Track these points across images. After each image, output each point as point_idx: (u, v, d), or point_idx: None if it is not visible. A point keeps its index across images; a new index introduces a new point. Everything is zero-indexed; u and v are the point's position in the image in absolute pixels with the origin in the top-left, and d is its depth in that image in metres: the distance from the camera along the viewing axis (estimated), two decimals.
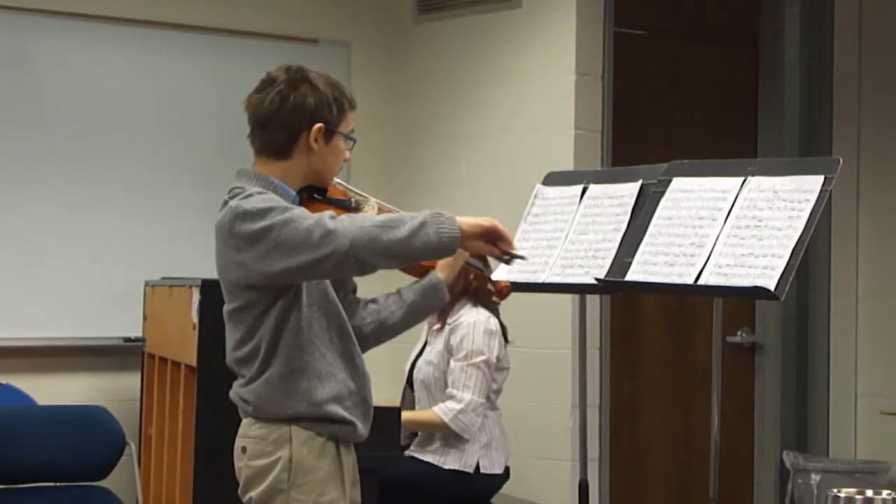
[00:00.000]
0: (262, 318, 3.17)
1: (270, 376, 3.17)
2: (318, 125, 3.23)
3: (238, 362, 3.24)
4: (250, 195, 3.15)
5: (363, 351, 3.35)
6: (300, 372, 3.17)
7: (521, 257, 3.21)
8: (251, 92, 3.29)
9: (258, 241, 3.08)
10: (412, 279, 3.42)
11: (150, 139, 6.06)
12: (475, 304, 4.97)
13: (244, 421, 3.26)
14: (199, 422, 5.11)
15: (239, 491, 3.26)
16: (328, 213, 3.09)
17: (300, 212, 3.10)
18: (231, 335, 3.25)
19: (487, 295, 3.57)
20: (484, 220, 3.11)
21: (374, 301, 3.41)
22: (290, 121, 3.22)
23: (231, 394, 3.28)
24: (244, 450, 3.23)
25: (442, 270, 3.37)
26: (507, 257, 3.16)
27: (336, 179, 3.38)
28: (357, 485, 3.31)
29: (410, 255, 3.07)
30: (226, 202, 3.20)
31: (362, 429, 3.26)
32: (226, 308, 3.25)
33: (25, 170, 5.81)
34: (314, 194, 3.31)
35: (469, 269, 3.48)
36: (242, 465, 3.23)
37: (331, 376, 3.20)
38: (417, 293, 3.37)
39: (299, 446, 3.17)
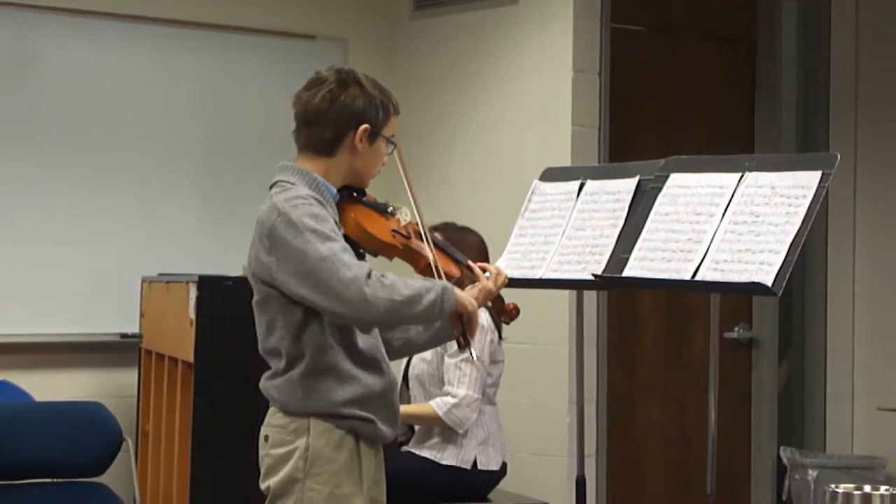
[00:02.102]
0: (283, 312, 3.23)
1: (293, 374, 3.24)
2: (364, 126, 3.30)
3: (266, 353, 3.32)
4: (298, 201, 3.18)
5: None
6: (323, 373, 3.23)
7: (472, 353, 3.43)
8: (300, 89, 3.35)
9: (289, 258, 3.15)
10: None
11: (146, 135, 6.05)
12: None
13: (270, 410, 3.33)
14: (196, 418, 5.11)
15: (260, 479, 3.31)
16: (367, 267, 3.14)
17: (340, 248, 3.14)
18: (258, 326, 3.32)
19: (497, 314, 3.67)
20: (471, 306, 3.29)
21: None
22: (338, 119, 3.29)
23: (260, 385, 3.34)
24: (266, 438, 3.30)
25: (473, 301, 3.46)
26: (462, 340, 3.36)
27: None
28: (379, 485, 3.36)
29: (413, 324, 3.35)
30: (270, 196, 3.25)
31: (385, 428, 3.31)
32: (254, 298, 3.32)
33: (23, 166, 5.80)
34: (353, 193, 3.39)
35: None
36: (264, 453, 3.30)
37: (353, 380, 3.25)
38: (445, 322, 3.44)
39: (317, 437, 3.22)
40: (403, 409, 4.87)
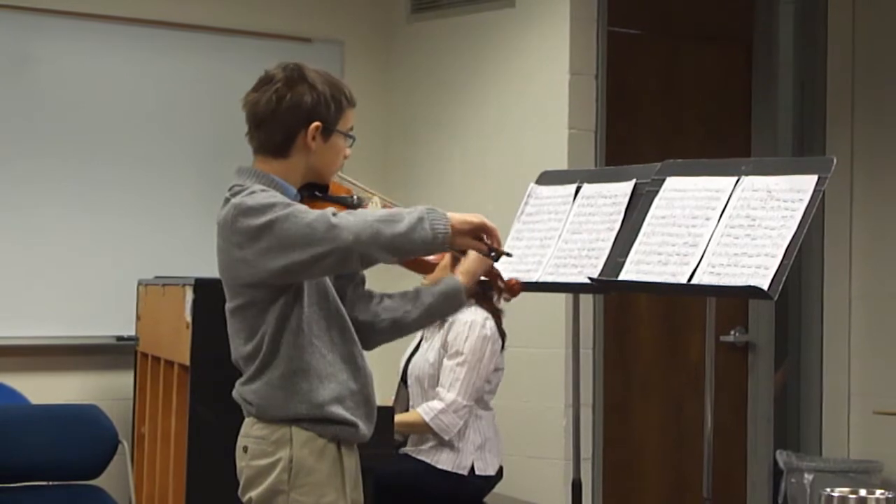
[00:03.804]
0: (262, 316, 3.16)
1: (272, 377, 3.17)
2: (315, 124, 3.21)
3: (242, 360, 3.24)
4: (253, 192, 3.14)
5: (375, 345, 3.36)
6: (301, 373, 3.16)
7: (508, 254, 3.23)
8: (248, 90, 3.27)
9: (260, 238, 3.07)
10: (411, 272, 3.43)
11: (143, 137, 6.05)
12: (473, 304, 4.96)
13: (246, 420, 3.25)
14: (192, 421, 5.10)
15: (239, 490, 3.25)
16: (330, 209, 3.08)
17: (301, 207, 3.09)
18: (234, 333, 3.24)
19: (497, 292, 3.49)
20: (473, 217, 3.13)
21: (389, 297, 3.40)
22: (286, 120, 3.21)
23: (234, 393, 3.27)
24: (245, 449, 3.22)
25: (463, 276, 3.34)
26: (493, 254, 3.18)
27: (340, 174, 3.37)
28: (359, 486, 3.30)
29: (409, 251, 3.10)
30: (227, 200, 3.18)
31: (364, 429, 3.25)
32: (228, 306, 3.24)
33: (20, 168, 5.80)
34: (315, 192, 3.30)
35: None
36: (244, 464, 3.22)
37: (332, 377, 3.19)
38: (437, 297, 3.34)
39: (300, 447, 3.16)
40: (395, 419, 4.87)
